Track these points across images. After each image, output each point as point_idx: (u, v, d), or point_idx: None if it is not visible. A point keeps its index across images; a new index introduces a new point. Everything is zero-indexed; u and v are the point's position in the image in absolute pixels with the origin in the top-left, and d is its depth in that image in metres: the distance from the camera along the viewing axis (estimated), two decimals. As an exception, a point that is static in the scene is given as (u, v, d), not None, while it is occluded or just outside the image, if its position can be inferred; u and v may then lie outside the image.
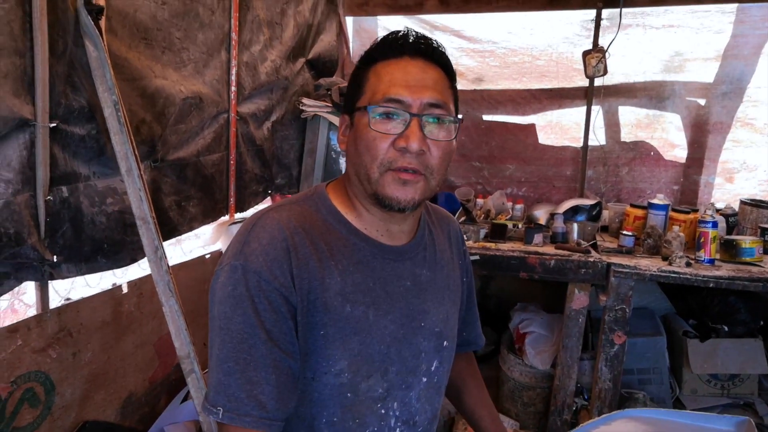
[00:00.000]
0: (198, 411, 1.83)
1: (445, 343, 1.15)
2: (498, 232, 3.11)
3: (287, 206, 1.04)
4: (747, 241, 2.74)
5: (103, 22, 1.71)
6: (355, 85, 1.05)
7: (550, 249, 2.93)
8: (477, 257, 2.82)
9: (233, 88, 2.52)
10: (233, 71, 2.50)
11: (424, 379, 1.11)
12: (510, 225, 3.19)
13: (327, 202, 1.07)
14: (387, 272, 1.06)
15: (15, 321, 1.67)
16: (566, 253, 2.85)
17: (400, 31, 1.03)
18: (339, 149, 3.14)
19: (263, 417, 0.92)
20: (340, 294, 0.99)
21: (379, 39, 1.04)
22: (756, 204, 3.05)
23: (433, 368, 1.13)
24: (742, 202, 3.10)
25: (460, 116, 1.05)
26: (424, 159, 0.98)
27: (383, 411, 1.06)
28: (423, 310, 1.10)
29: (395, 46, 1.00)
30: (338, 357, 0.99)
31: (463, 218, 3.34)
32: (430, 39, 1.03)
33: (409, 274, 1.09)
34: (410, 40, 1.01)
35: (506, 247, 2.94)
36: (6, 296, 1.63)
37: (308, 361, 0.99)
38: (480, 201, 3.58)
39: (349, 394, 1.01)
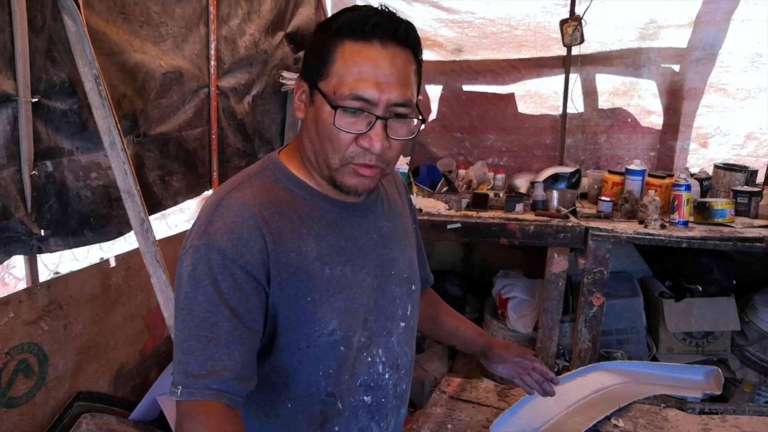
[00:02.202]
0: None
1: (413, 287, 1.20)
2: (479, 202, 3.17)
3: (247, 182, 1.02)
4: (719, 203, 2.83)
5: (80, -4, 1.71)
6: (319, 55, 0.98)
7: (530, 216, 2.99)
8: (458, 225, 2.88)
9: (213, 63, 2.53)
10: (212, 45, 2.51)
11: (402, 324, 1.17)
12: (491, 194, 3.25)
13: (284, 170, 1.06)
14: (354, 229, 1.09)
15: (6, 294, 1.70)
16: (545, 218, 2.92)
17: (371, 9, 0.97)
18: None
19: (223, 390, 0.90)
20: (318, 259, 1.01)
21: (348, 10, 0.98)
22: (729, 168, 3.13)
23: (408, 312, 1.19)
24: (716, 167, 3.18)
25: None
26: (383, 154, 0.99)
27: (369, 359, 1.10)
28: (391, 259, 1.15)
29: (366, 28, 0.95)
30: (329, 318, 1.01)
31: (445, 188, 3.39)
32: (401, 22, 0.98)
33: (374, 227, 1.13)
34: (382, 24, 0.95)
35: (487, 215, 3.00)
36: (-4, 270, 1.67)
37: (300, 330, 1.01)
38: (462, 172, 3.63)
39: (342, 348, 1.05)
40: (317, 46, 1.00)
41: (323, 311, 1.01)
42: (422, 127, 1.04)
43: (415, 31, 1.00)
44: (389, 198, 1.21)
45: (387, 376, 1.14)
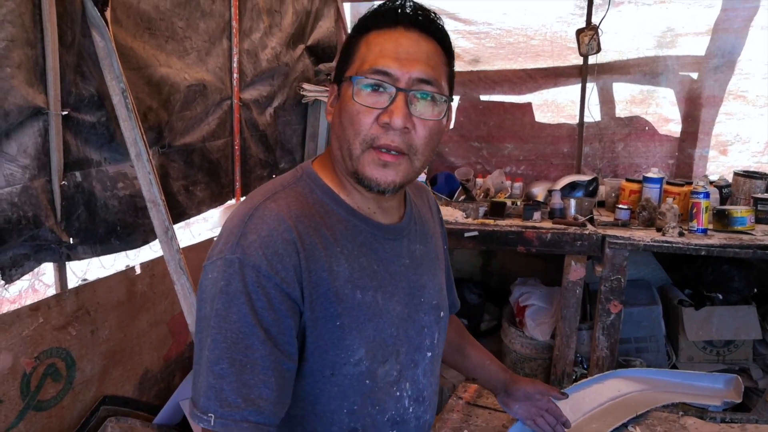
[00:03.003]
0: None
1: (441, 313, 1.16)
2: (497, 210, 3.18)
3: (281, 193, 0.97)
4: (739, 211, 2.81)
5: (108, 13, 1.77)
6: (346, 54, 0.99)
7: (547, 224, 3.01)
8: (476, 233, 2.90)
9: (235, 75, 2.59)
10: (235, 59, 2.57)
11: (429, 354, 1.11)
12: (509, 203, 3.26)
13: (319, 181, 1.01)
14: (387, 253, 1.04)
15: (36, 300, 1.76)
16: (562, 226, 2.93)
17: (397, 1, 0.96)
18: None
19: (260, 422, 0.85)
20: (348, 281, 0.96)
21: (374, 6, 0.99)
22: (748, 175, 3.12)
23: (435, 341, 1.13)
24: (736, 174, 3.17)
25: (452, 97, 1.01)
26: (409, 138, 0.93)
27: (398, 393, 1.05)
28: (421, 285, 1.09)
29: (390, 15, 0.95)
30: (357, 346, 0.96)
31: (462, 197, 3.42)
32: (428, 10, 0.97)
33: (406, 252, 1.08)
34: (407, 10, 0.95)
35: (505, 223, 3.02)
36: (26, 276, 1.72)
37: (327, 356, 0.95)
38: (479, 180, 3.65)
39: (367, 381, 0.99)
40: (344, 48, 1.01)
41: (351, 338, 0.96)
42: (452, 103, 1.00)
43: (441, 24, 0.98)
44: (422, 218, 1.17)
45: (411, 410, 1.09)
